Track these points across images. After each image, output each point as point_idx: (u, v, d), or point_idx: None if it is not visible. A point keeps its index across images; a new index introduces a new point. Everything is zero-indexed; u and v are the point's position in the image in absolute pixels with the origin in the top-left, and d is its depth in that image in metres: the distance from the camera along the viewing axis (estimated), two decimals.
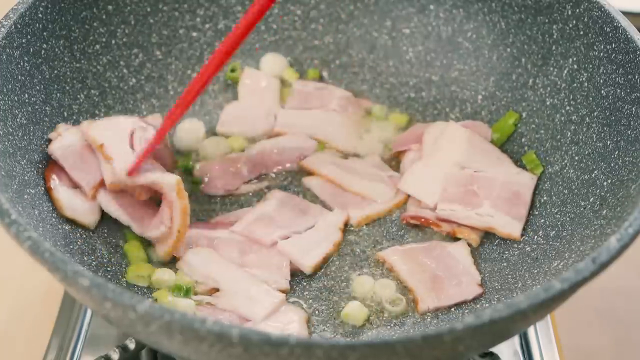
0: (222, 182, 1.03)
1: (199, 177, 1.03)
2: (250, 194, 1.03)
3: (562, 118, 0.98)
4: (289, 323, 0.88)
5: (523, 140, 1.03)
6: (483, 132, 1.04)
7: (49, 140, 0.94)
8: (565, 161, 0.96)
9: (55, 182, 0.91)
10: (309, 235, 0.96)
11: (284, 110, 1.10)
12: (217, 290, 0.91)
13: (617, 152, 0.88)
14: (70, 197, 0.92)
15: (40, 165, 0.91)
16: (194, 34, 1.11)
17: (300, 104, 1.10)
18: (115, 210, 0.93)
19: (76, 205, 0.92)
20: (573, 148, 0.95)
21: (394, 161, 1.06)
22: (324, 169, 1.04)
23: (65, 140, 0.93)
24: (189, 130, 1.08)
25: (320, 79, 1.14)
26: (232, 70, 1.12)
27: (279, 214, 0.98)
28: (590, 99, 0.94)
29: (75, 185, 0.93)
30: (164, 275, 0.91)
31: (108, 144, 0.93)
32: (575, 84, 0.97)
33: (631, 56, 0.88)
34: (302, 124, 1.09)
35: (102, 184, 0.93)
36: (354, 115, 1.10)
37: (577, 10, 0.96)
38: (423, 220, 0.98)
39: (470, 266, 0.93)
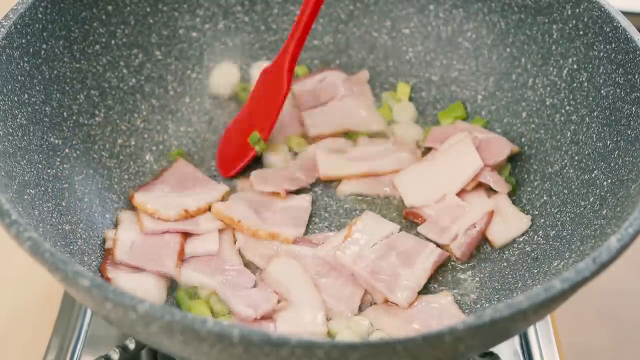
0: (280, 183, 1.02)
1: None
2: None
3: (562, 118, 0.98)
4: None
5: (523, 140, 1.03)
6: (499, 148, 1.02)
7: (105, 248, 0.94)
8: (565, 161, 0.96)
9: (113, 272, 0.90)
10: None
11: (307, 112, 1.10)
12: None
13: (617, 152, 0.88)
14: (131, 282, 0.89)
15: (40, 166, 0.90)
16: (194, 34, 1.11)
17: (313, 103, 1.10)
18: (202, 278, 0.91)
19: (137, 289, 0.89)
20: (573, 148, 0.95)
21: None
22: (348, 170, 1.04)
23: (125, 243, 0.93)
24: (224, 75, 1.10)
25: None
26: (243, 90, 1.12)
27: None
28: (590, 98, 0.94)
29: (134, 270, 0.91)
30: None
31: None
32: (575, 84, 0.97)
33: (631, 56, 0.88)
34: (331, 120, 1.09)
35: (179, 258, 0.93)
36: (364, 92, 1.11)
37: (577, 10, 0.96)
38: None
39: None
